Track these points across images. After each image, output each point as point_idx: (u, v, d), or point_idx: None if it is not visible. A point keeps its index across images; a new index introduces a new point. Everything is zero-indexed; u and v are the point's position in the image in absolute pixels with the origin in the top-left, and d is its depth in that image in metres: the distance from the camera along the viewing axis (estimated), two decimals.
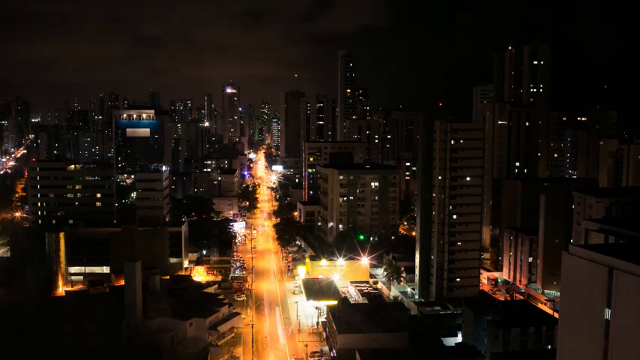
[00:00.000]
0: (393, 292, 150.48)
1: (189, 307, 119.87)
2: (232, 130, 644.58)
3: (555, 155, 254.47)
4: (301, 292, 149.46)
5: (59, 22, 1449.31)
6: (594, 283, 63.63)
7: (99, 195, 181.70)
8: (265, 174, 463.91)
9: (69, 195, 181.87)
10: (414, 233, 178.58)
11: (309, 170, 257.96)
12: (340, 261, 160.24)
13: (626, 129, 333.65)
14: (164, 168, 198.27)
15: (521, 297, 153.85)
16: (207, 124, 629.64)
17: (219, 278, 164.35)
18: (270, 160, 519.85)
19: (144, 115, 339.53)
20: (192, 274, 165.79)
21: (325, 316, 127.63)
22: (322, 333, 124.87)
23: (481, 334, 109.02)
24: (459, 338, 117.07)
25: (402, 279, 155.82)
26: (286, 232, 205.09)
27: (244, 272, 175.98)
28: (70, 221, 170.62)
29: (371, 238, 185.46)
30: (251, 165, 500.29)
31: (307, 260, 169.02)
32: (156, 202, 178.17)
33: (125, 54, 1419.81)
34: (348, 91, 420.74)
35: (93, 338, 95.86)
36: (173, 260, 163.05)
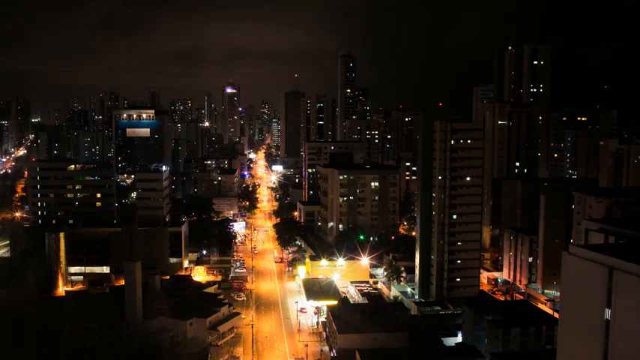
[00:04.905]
0: (393, 292, 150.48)
1: (189, 307, 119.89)
2: (232, 130, 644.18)
3: (555, 155, 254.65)
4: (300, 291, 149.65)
5: (60, 23, 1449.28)
6: (594, 283, 63.65)
7: (99, 195, 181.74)
8: (265, 174, 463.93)
9: (69, 195, 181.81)
10: (414, 233, 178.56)
11: (309, 170, 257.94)
12: (340, 261, 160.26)
13: (626, 129, 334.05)
14: (164, 168, 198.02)
15: (521, 297, 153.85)
16: (207, 124, 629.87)
17: (219, 278, 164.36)
18: (270, 160, 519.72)
19: (144, 115, 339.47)
20: (192, 274, 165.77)
21: (325, 316, 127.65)
22: (322, 333, 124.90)
23: (481, 334, 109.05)
24: (459, 338, 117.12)
25: (402, 279, 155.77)
26: (286, 232, 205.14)
27: (244, 271, 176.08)
28: (70, 221, 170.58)
29: (371, 238, 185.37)
30: (251, 165, 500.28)
31: (307, 260, 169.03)
32: (156, 202, 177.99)
33: (125, 54, 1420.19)
34: (348, 91, 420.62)
35: (93, 338, 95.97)
36: (173, 260, 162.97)
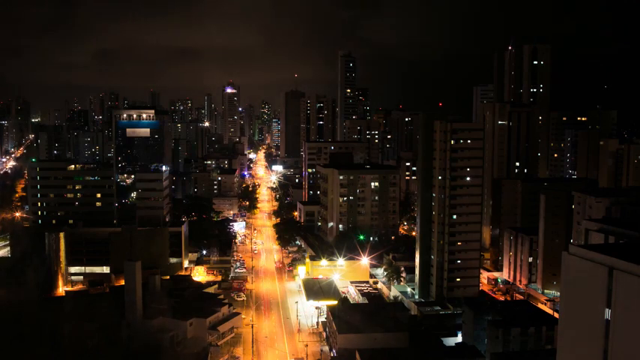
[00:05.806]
0: (393, 292, 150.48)
1: (189, 307, 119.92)
2: (232, 130, 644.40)
3: (555, 155, 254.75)
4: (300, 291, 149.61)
5: (59, 23, 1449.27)
6: (594, 283, 63.64)
7: (99, 195, 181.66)
8: (265, 174, 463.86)
9: (69, 195, 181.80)
10: (414, 233, 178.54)
11: (309, 170, 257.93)
12: (340, 261, 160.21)
13: (626, 129, 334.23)
14: (164, 168, 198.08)
15: (521, 297, 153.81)
16: (207, 124, 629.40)
17: (219, 278, 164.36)
18: (270, 160, 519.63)
19: (144, 115, 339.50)
20: (192, 274, 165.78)
21: (325, 316, 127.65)
22: (322, 333, 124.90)
23: (481, 334, 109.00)
24: (459, 338, 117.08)
25: (402, 279, 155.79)
26: (286, 232, 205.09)
27: (244, 271, 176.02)
28: (70, 221, 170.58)
29: (371, 238, 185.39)
30: (251, 165, 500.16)
31: (307, 260, 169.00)
32: (156, 202, 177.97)
33: (125, 55, 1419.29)
34: (348, 91, 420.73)
35: (93, 338, 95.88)
36: (173, 260, 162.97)
